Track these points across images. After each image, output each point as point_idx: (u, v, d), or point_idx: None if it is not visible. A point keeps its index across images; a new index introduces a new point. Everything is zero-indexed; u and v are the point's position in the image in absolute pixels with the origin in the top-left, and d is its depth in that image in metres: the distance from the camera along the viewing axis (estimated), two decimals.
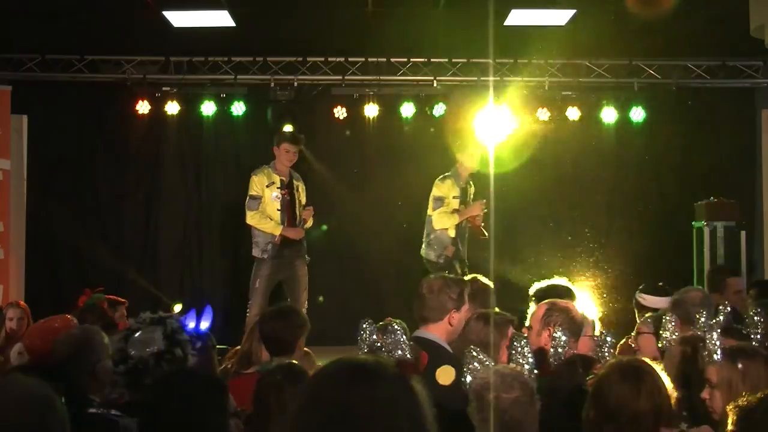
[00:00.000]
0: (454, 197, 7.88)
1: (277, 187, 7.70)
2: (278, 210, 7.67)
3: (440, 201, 7.88)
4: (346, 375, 1.72)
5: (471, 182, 8.11)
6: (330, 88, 9.88)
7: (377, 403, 1.67)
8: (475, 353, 3.41)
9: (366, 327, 3.61)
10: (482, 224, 7.92)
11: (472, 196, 8.10)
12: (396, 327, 3.60)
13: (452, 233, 7.87)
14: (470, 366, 3.36)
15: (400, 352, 3.47)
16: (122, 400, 3.41)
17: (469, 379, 3.29)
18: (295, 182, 7.84)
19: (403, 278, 8.79)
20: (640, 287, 5.79)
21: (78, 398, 3.15)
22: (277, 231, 7.61)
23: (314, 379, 1.77)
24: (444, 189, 7.90)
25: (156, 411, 2.56)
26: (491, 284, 4.99)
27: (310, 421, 1.68)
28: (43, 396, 2.07)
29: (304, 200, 7.88)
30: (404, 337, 3.63)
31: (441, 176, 8.00)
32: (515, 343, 3.45)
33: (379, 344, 3.56)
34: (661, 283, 5.82)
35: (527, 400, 3.07)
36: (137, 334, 3.40)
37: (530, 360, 3.41)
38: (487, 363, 3.41)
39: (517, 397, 3.04)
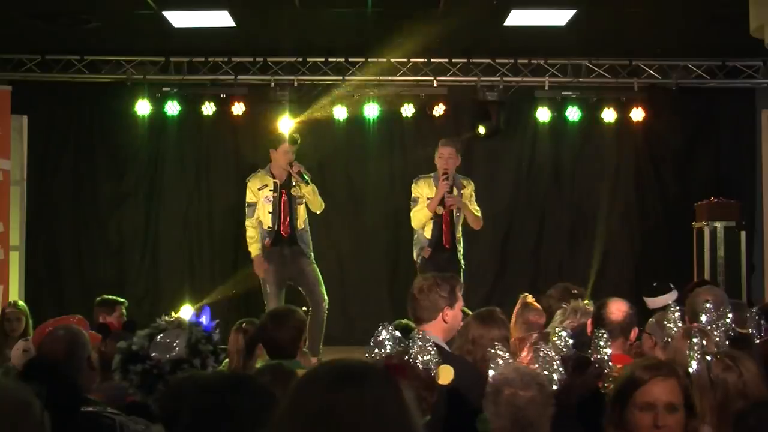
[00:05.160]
0: (429, 198, 7.76)
1: (270, 189, 7.69)
2: (270, 212, 7.69)
3: (415, 201, 7.84)
4: (330, 378, 1.66)
5: (463, 183, 7.91)
6: (330, 88, 9.87)
7: (361, 407, 1.61)
8: (498, 350, 3.40)
9: (383, 331, 3.58)
10: (452, 204, 7.71)
11: (465, 196, 7.88)
12: (425, 335, 3.58)
13: (428, 234, 7.80)
14: (494, 362, 3.36)
15: (426, 357, 3.43)
16: (129, 399, 3.40)
17: (491, 373, 3.29)
18: (299, 176, 7.64)
19: (402, 279, 8.77)
20: (644, 294, 5.79)
21: (73, 397, 3.14)
22: (252, 251, 7.75)
23: (299, 383, 1.70)
24: (417, 189, 7.84)
25: (201, 418, 2.26)
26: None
27: (291, 427, 1.62)
28: (17, 402, 1.95)
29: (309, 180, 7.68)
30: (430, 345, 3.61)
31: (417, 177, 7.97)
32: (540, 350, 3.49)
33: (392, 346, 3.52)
34: (655, 284, 5.84)
35: (542, 402, 3.08)
36: (161, 336, 3.39)
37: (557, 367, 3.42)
38: (510, 359, 3.41)
39: (532, 397, 3.05)
